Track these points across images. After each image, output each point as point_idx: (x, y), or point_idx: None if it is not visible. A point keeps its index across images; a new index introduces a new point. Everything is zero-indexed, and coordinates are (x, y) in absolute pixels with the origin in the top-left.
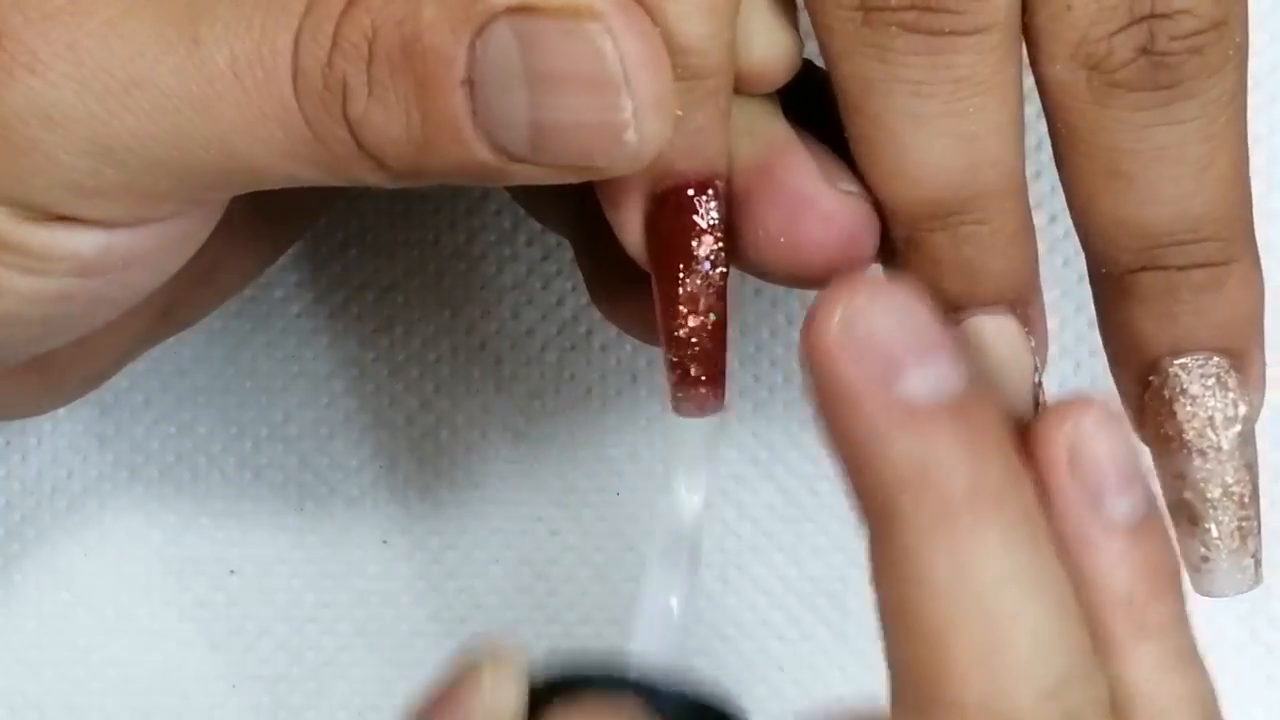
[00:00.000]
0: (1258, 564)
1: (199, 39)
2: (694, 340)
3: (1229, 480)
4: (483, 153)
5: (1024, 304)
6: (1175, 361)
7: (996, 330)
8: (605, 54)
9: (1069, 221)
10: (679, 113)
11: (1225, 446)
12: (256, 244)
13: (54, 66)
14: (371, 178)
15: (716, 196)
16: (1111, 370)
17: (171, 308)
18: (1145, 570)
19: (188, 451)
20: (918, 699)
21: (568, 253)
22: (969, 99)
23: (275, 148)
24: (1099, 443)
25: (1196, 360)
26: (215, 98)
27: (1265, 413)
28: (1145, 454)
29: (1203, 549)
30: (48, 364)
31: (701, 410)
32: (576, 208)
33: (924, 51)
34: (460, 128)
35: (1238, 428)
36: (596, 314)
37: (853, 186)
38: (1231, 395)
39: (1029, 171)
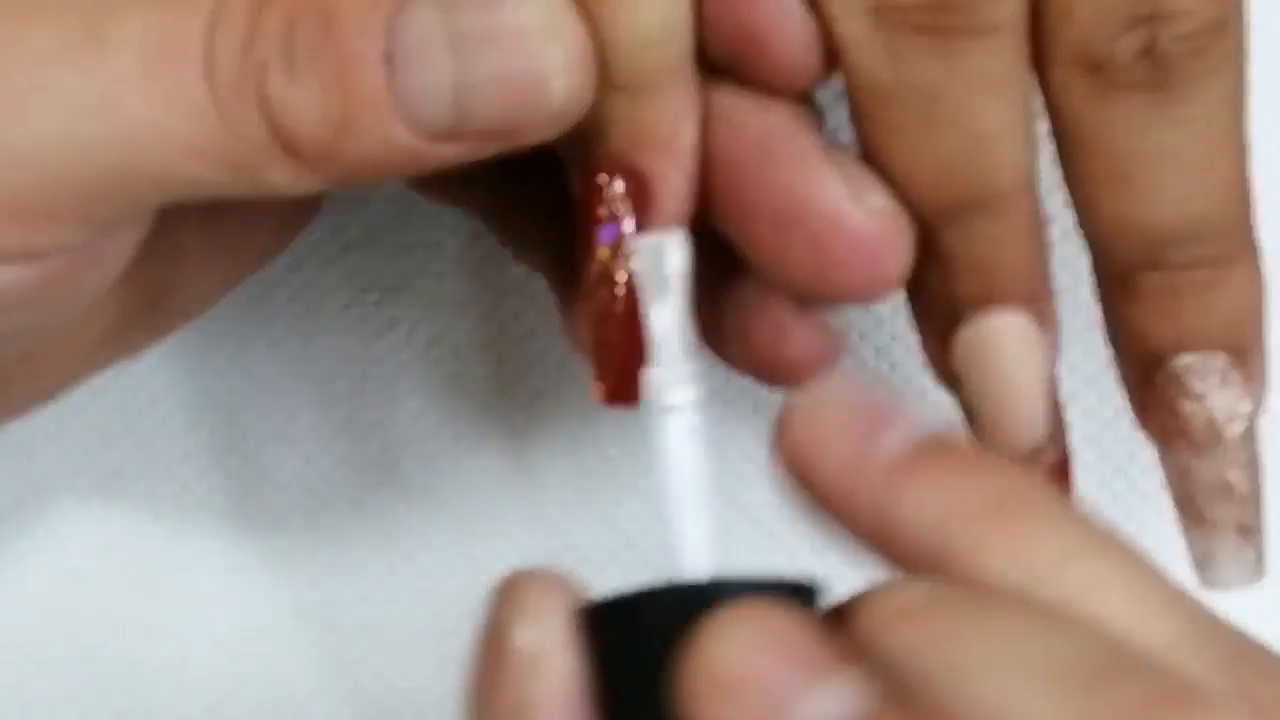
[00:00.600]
0: (1261, 558)
1: (105, 37)
2: (599, 327)
3: (1232, 476)
4: (402, 133)
5: (1037, 300)
6: (1179, 359)
7: (1011, 327)
8: (533, 7)
9: (1066, 223)
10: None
11: (1228, 443)
12: (210, 271)
13: None
14: (279, 174)
15: (630, 191)
16: (1117, 368)
17: (122, 331)
18: None
19: (192, 451)
20: None
21: None
22: (981, 99)
23: (182, 143)
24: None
25: (1200, 358)
26: (123, 94)
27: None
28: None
29: (1207, 544)
30: None
31: (603, 401)
32: (549, 239)
33: (936, 53)
34: (381, 104)
35: (1241, 425)
36: None
37: (882, 201)
38: (1234, 392)
39: None
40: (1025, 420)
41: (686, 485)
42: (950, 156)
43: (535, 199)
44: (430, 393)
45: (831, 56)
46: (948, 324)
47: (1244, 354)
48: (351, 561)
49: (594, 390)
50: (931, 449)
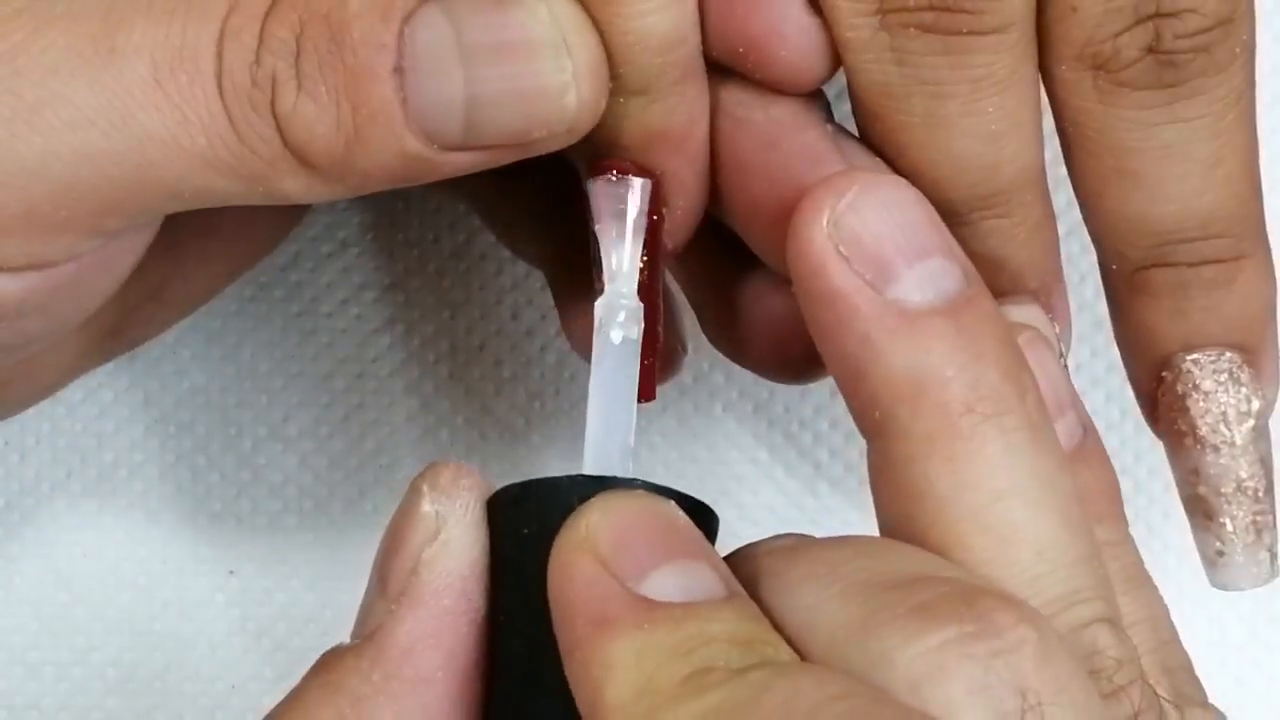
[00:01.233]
0: (1274, 557)
1: (116, 49)
2: None
3: (1243, 475)
4: (413, 143)
5: (1047, 291)
6: (1188, 357)
7: (1021, 318)
8: (543, 19)
9: (1070, 221)
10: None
11: (1239, 441)
12: (208, 265)
13: None
14: (292, 184)
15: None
16: (1126, 367)
17: (119, 326)
18: (1086, 497)
19: (187, 451)
20: None
21: None
22: (988, 98)
23: (195, 155)
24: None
25: (1209, 356)
26: (135, 107)
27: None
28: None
29: (1218, 543)
30: None
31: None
32: (550, 240)
33: (942, 52)
34: (392, 116)
35: (1251, 422)
36: None
37: None
38: (1244, 390)
39: None
40: None
41: (612, 400)
42: (959, 155)
43: (533, 194)
44: (427, 393)
45: (835, 57)
46: None
47: (1254, 351)
48: (348, 563)
49: None
50: (946, 315)
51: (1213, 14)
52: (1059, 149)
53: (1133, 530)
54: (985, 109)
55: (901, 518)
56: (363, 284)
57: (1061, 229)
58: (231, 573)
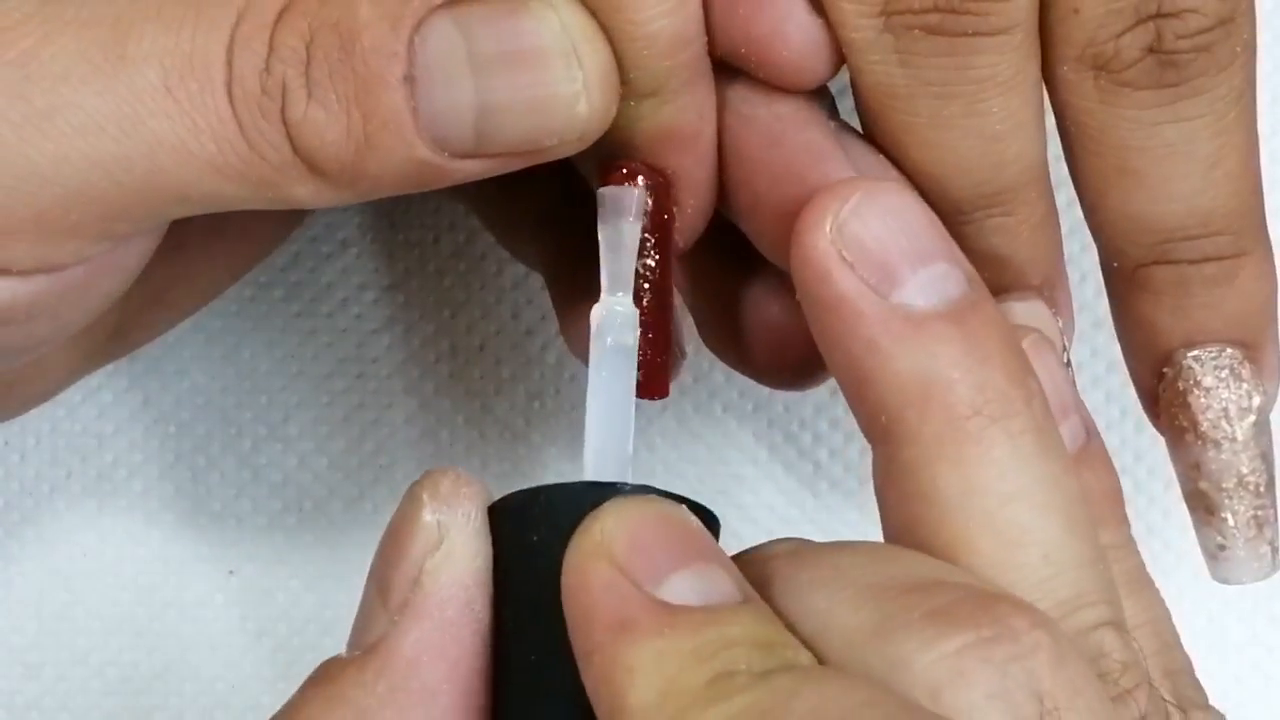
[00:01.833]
0: (1275, 551)
1: (126, 56)
2: None
3: (1244, 470)
4: (424, 150)
5: (1050, 287)
6: (1189, 354)
7: (1025, 313)
8: (553, 27)
9: (1070, 220)
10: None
11: (1240, 437)
12: (211, 266)
13: None
14: (302, 190)
15: (649, 192)
16: (1127, 363)
17: (122, 329)
18: (1089, 499)
19: (186, 452)
20: None
21: None
22: (992, 99)
23: (204, 162)
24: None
25: (1210, 352)
26: (145, 113)
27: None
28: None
29: (1219, 538)
30: None
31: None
32: (550, 243)
33: (947, 53)
34: (402, 124)
35: (1252, 418)
36: None
37: None
38: (1245, 386)
39: None
40: None
41: (610, 406)
42: (963, 156)
43: (533, 197)
44: (426, 394)
45: (837, 57)
46: None
47: (1255, 348)
48: (348, 563)
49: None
50: (951, 319)
51: (1213, 14)
52: (1058, 147)
53: (1133, 530)
54: (989, 109)
55: (908, 521)
56: (363, 284)
57: (1062, 228)
58: (231, 573)
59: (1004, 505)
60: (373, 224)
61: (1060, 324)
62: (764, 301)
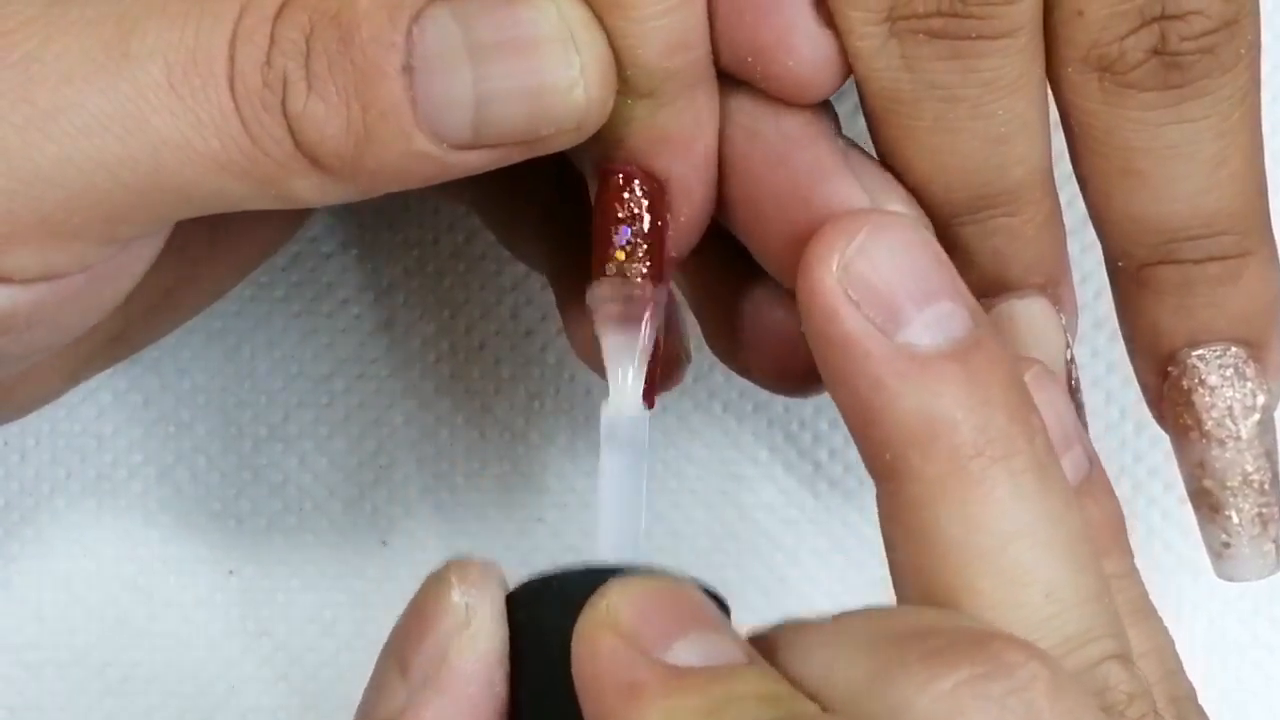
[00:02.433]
0: (1279, 548)
1: (130, 54)
2: None
3: (1248, 468)
4: (423, 141)
5: (1054, 285)
6: (1193, 353)
7: (1030, 311)
8: (550, 16)
9: (1071, 221)
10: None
11: (1244, 435)
12: (214, 269)
13: None
14: (304, 185)
15: (647, 193)
16: (1132, 362)
17: (125, 332)
18: (1092, 530)
19: (186, 452)
20: None
21: None
22: (997, 101)
23: (208, 159)
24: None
25: (1214, 351)
26: (149, 111)
27: None
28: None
29: (1224, 535)
30: None
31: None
32: (551, 243)
33: (952, 57)
34: (401, 115)
35: (1256, 416)
36: None
37: (900, 207)
38: (1250, 385)
39: None
40: None
41: (623, 496)
42: (968, 158)
43: (534, 196)
44: (427, 394)
45: (843, 68)
46: None
47: (1260, 347)
48: (348, 563)
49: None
50: (955, 359)
51: (1218, 16)
52: (1062, 146)
53: (1132, 531)
54: (994, 112)
55: (911, 558)
56: (363, 284)
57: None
58: (231, 573)
59: (1006, 544)
60: (373, 224)
61: (1064, 320)
62: (767, 308)
